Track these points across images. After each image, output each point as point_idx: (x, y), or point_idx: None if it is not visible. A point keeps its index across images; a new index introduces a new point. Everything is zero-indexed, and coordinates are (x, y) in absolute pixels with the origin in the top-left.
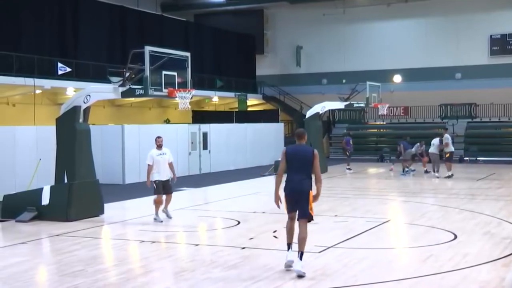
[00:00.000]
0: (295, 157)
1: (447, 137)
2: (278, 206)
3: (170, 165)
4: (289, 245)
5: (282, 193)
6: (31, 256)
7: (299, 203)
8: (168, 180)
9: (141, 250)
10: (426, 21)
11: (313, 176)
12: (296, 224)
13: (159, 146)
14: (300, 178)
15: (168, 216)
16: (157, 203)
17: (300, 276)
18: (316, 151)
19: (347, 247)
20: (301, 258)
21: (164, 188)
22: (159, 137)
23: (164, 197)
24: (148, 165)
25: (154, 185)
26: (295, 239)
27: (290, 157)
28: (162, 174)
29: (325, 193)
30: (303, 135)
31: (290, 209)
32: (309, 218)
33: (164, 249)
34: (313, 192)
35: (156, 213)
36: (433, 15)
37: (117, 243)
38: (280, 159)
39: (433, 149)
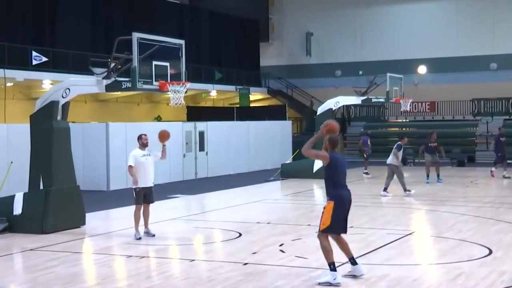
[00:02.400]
0: (341, 165)
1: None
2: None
3: (162, 154)
4: (333, 264)
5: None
6: (1, 273)
7: (347, 217)
8: (151, 188)
9: (128, 267)
10: (457, 2)
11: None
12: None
13: (144, 145)
14: (348, 188)
15: (150, 235)
16: (137, 216)
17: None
18: None
19: (365, 263)
20: (356, 263)
21: (144, 197)
22: (144, 135)
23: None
24: (130, 166)
25: (134, 193)
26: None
27: (337, 164)
28: (145, 179)
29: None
30: (337, 143)
31: (343, 228)
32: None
33: (155, 265)
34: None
35: (136, 229)
36: None
37: (100, 259)
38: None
39: (391, 160)
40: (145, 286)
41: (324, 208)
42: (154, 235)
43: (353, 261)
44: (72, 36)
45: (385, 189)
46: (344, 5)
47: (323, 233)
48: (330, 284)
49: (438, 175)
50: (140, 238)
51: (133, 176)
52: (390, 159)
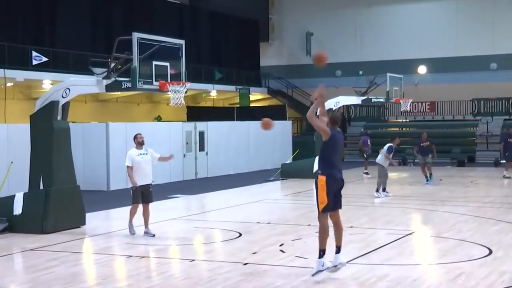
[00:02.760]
0: (339, 144)
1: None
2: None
3: (161, 158)
4: (324, 251)
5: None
6: (1, 274)
7: (339, 193)
8: (149, 186)
9: (128, 267)
10: (457, 3)
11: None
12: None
13: (140, 144)
14: (340, 167)
15: (149, 235)
16: (133, 213)
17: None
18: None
19: (365, 263)
20: (339, 252)
21: (142, 196)
22: (139, 134)
23: (141, 207)
24: (128, 167)
25: (131, 192)
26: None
27: (335, 143)
28: (142, 178)
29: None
30: (339, 122)
31: (335, 205)
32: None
33: (155, 265)
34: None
35: (130, 222)
36: None
37: (100, 259)
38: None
39: (380, 159)
40: (145, 286)
41: (316, 185)
42: (154, 235)
43: (337, 250)
44: (72, 36)
45: (377, 190)
46: (344, 5)
47: (324, 212)
48: (320, 271)
49: (430, 175)
50: (134, 233)
51: (131, 177)
52: (379, 158)
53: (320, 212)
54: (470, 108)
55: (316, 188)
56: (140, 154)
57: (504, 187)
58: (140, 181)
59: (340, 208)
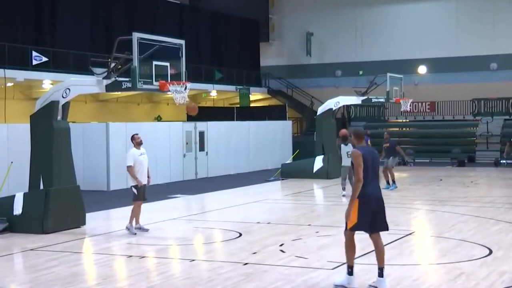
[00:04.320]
0: (372, 160)
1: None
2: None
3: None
4: (351, 268)
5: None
6: (1, 274)
7: (378, 214)
8: (145, 185)
9: (128, 267)
10: (457, 3)
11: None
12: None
13: (139, 144)
14: (378, 184)
15: (144, 230)
16: (136, 212)
17: None
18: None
19: (365, 263)
20: (382, 275)
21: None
22: (136, 134)
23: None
24: (129, 166)
25: (135, 190)
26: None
27: (365, 160)
28: (143, 177)
29: (340, 201)
30: (363, 136)
31: (371, 227)
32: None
33: (155, 265)
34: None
35: (130, 222)
36: None
37: (100, 259)
38: (355, 161)
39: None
40: (146, 286)
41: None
42: (148, 230)
43: (379, 272)
44: (73, 36)
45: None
46: (344, 5)
47: (351, 230)
48: (344, 287)
49: (389, 181)
50: (136, 234)
51: (135, 177)
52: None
53: (348, 228)
54: (470, 108)
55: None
56: (141, 154)
57: (504, 187)
58: (142, 180)
59: (384, 230)
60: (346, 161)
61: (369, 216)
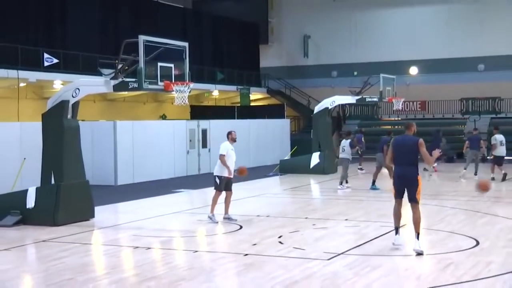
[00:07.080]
0: (402, 147)
1: (495, 138)
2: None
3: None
4: (397, 229)
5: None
6: (15, 264)
7: (407, 189)
8: (230, 178)
9: (135, 257)
10: (447, 7)
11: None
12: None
13: (233, 140)
14: (406, 166)
15: (232, 220)
16: (215, 200)
17: (419, 253)
18: (421, 140)
19: (359, 254)
20: (418, 238)
21: (226, 185)
22: (234, 131)
23: (224, 195)
24: (222, 155)
25: (218, 180)
26: (402, 222)
27: (396, 147)
28: (230, 170)
29: (335, 195)
30: (411, 126)
31: (397, 195)
32: (416, 201)
33: (160, 256)
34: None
35: (212, 212)
36: (454, 1)
37: (108, 250)
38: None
39: (345, 154)
40: (151, 276)
41: None
42: (236, 220)
43: (416, 235)
44: (82, 39)
45: (341, 183)
46: (340, 10)
47: (395, 198)
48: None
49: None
50: (217, 222)
51: (225, 165)
52: (347, 152)
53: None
54: (459, 107)
55: None
56: (232, 149)
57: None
58: (229, 174)
59: (407, 199)
60: (342, 154)
61: (396, 187)
